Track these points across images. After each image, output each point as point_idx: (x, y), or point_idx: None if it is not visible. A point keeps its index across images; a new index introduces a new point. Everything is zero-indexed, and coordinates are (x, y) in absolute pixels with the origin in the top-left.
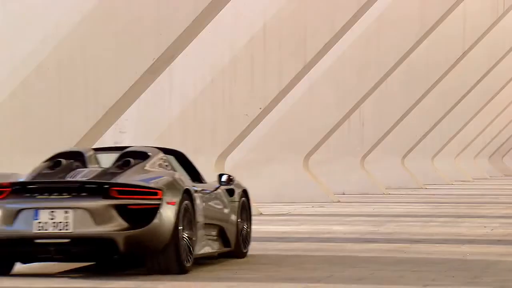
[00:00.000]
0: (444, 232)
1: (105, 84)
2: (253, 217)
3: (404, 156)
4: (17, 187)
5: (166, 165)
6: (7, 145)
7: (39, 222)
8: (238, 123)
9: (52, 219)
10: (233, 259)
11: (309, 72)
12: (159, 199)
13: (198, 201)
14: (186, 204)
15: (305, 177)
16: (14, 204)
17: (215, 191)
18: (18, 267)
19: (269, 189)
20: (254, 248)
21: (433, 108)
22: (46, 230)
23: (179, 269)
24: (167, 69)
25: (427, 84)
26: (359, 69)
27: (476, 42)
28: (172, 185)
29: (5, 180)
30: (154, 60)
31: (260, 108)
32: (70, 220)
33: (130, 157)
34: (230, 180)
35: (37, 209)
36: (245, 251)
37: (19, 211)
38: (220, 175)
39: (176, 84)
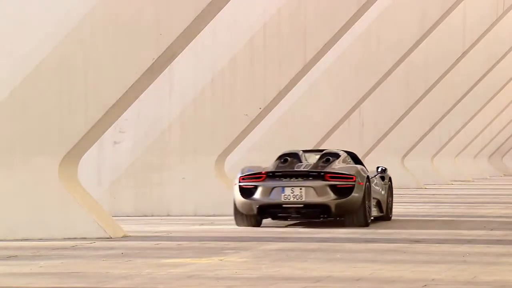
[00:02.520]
0: (444, 232)
1: (105, 84)
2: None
3: (404, 156)
4: (270, 174)
5: (349, 161)
6: (7, 145)
7: (285, 195)
8: (238, 123)
9: (292, 192)
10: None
11: (309, 72)
12: (354, 181)
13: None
14: (367, 185)
15: None
16: (269, 184)
17: (374, 177)
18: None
19: None
20: (254, 248)
21: (433, 108)
22: (289, 199)
23: (365, 224)
24: (167, 69)
25: (427, 84)
26: (359, 69)
27: (476, 42)
28: (361, 173)
29: (259, 170)
30: (154, 60)
31: (260, 108)
32: (303, 193)
33: (328, 156)
34: (383, 171)
35: (283, 187)
36: (390, 216)
37: (273, 188)
38: (378, 167)
39: (176, 84)
